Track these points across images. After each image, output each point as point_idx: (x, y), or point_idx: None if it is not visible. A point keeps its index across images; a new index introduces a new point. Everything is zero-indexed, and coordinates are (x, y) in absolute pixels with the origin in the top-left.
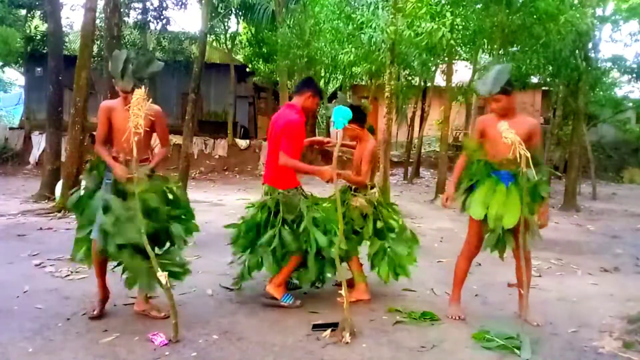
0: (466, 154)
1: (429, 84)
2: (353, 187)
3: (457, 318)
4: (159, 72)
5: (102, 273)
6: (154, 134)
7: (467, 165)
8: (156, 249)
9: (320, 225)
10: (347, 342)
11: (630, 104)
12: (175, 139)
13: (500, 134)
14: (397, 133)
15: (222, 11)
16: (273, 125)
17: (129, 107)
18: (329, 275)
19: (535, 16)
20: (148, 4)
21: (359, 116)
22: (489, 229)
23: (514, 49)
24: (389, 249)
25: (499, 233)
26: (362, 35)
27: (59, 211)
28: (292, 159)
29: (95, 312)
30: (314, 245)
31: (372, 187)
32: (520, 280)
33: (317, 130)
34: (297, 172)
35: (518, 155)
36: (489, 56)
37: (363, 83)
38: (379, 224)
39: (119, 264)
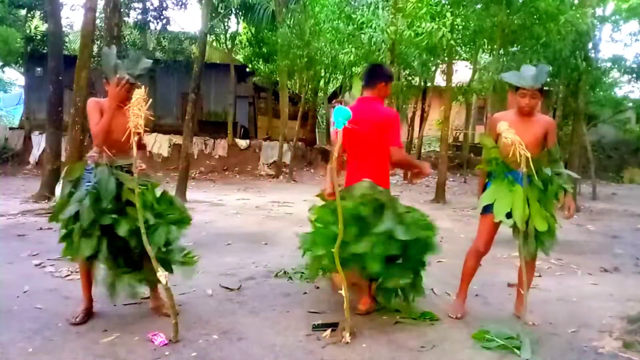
0: (484, 154)
1: (429, 84)
2: None
3: (455, 317)
4: (154, 69)
5: (88, 282)
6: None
7: (484, 164)
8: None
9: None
10: (347, 342)
11: (630, 104)
12: (175, 139)
13: (517, 132)
14: None
15: (222, 11)
16: (360, 120)
17: (123, 107)
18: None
19: (535, 16)
20: (148, 4)
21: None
22: (519, 232)
23: (514, 49)
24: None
25: (534, 235)
26: (362, 35)
27: None
28: (404, 152)
29: (77, 320)
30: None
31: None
32: (520, 280)
33: (317, 130)
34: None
35: (518, 156)
36: (489, 56)
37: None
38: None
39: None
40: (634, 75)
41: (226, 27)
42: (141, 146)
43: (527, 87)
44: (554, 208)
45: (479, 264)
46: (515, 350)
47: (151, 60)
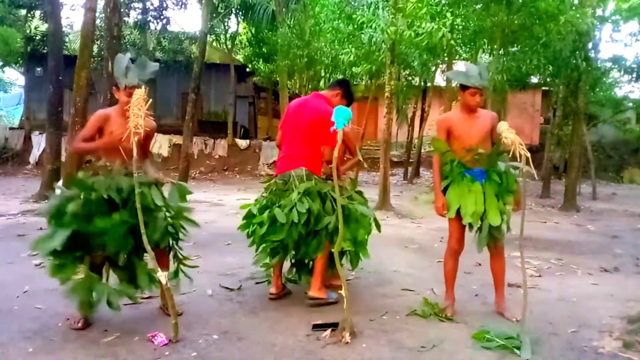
0: (438, 156)
1: (429, 84)
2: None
3: (445, 316)
4: (158, 72)
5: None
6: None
7: (441, 166)
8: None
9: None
10: (347, 342)
11: (630, 104)
12: (175, 139)
13: (467, 130)
14: (397, 133)
15: (222, 11)
16: (300, 112)
17: (127, 112)
18: None
19: (535, 16)
20: (148, 4)
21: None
22: (474, 228)
23: (514, 49)
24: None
25: (487, 231)
26: (362, 35)
27: None
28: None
29: (80, 324)
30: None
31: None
32: (495, 275)
33: None
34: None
35: (518, 155)
36: (489, 56)
37: (363, 83)
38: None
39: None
40: (634, 75)
41: (226, 27)
42: (148, 156)
43: (478, 85)
44: (510, 202)
45: (458, 263)
46: (515, 350)
47: (157, 64)
